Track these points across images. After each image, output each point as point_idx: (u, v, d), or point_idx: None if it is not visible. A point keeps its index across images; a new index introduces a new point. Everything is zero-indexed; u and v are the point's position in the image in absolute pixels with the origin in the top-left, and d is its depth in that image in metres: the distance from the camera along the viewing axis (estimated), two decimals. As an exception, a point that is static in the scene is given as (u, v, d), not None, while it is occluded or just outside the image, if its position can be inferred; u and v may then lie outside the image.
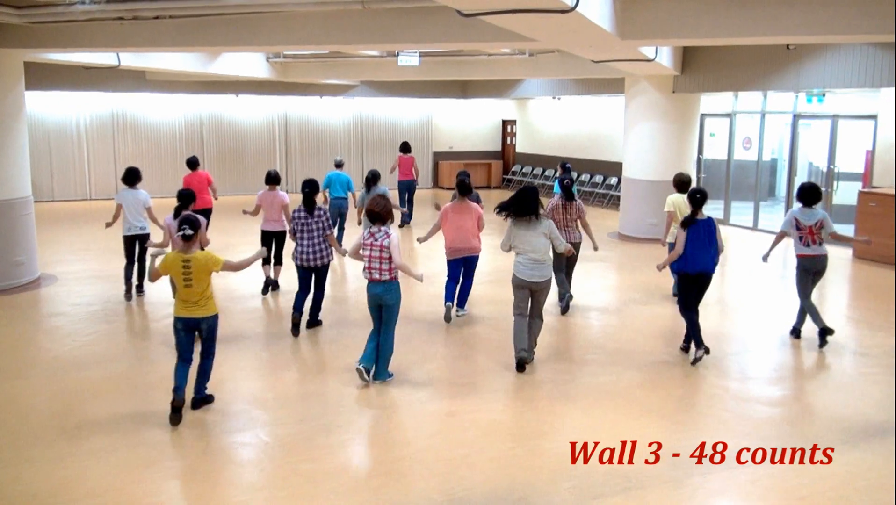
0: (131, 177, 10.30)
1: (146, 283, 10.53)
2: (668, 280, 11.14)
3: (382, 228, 6.90)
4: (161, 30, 10.23)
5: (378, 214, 6.90)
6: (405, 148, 16.97)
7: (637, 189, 15.26)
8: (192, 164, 12.83)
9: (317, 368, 7.70)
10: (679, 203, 9.62)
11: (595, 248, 9.85)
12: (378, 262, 6.84)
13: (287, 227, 9.90)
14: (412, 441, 5.97)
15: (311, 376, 7.41)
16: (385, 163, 23.34)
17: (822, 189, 15.07)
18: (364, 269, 6.95)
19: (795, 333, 8.64)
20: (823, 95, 14.91)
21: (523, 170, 24.18)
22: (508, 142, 25.82)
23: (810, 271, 8.27)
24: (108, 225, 10.40)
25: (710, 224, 7.67)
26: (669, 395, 6.93)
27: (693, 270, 7.62)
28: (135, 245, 10.32)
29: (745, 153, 17.20)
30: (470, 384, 7.16)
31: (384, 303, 6.96)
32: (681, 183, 9.85)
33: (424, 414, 6.51)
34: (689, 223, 7.60)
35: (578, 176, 21.36)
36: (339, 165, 14.16)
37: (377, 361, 7.11)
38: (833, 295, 10.98)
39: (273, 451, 5.77)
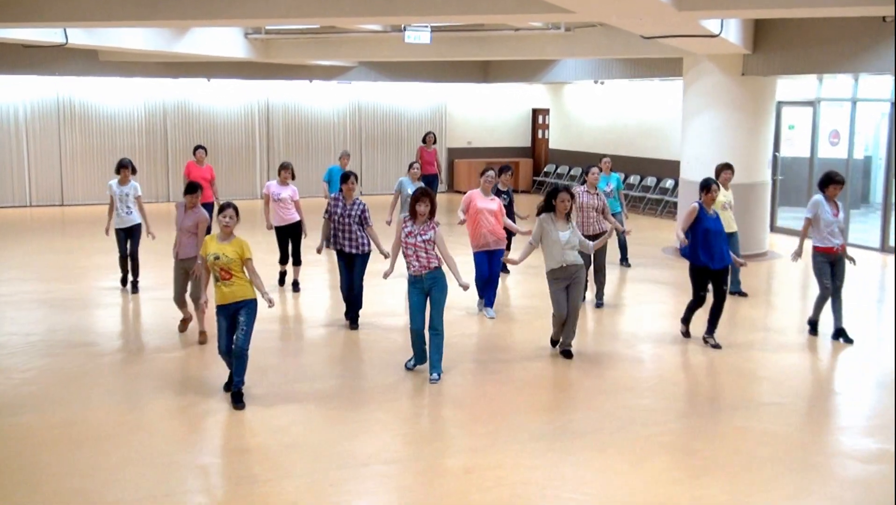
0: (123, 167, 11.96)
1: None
2: (736, 306, 11.11)
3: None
4: (117, 0, 10.33)
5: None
6: (432, 139, 18.77)
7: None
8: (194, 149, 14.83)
9: (307, 413, 7.69)
10: None
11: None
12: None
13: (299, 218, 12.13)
14: None
15: (299, 422, 7.41)
16: (387, 160, 23.58)
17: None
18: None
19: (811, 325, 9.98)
20: (929, 79, 14.85)
21: (558, 170, 24.17)
22: (540, 136, 25.85)
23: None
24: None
25: None
26: (737, 448, 6.88)
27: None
28: (129, 236, 11.85)
29: (831, 150, 17.11)
30: (492, 432, 7.14)
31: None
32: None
33: (436, 471, 6.49)
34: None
35: (627, 177, 21.39)
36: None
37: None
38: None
39: (249, 514, 5.77)
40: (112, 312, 11.30)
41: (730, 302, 9.61)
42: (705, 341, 9.56)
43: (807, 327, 10.02)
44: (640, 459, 6.61)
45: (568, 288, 8.96)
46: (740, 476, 6.33)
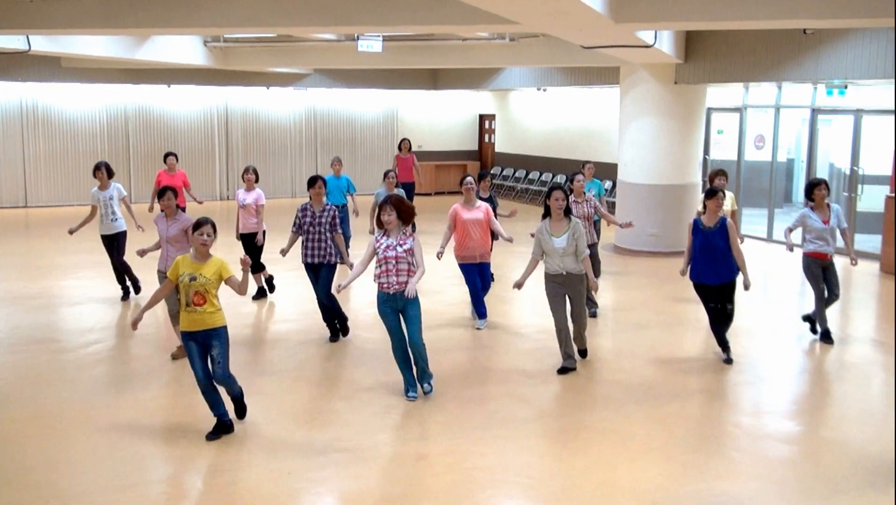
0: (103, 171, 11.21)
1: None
2: (673, 301, 11.24)
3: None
4: (79, 8, 10.15)
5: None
6: (408, 146, 17.67)
7: (635, 194, 15.38)
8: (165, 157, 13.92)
9: (266, 405, 7.62)
10: None
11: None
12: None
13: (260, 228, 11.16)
14: (372, 491, 5.94)
15: (258, 414, 7.33)
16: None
17: (845, 193, 15.31)
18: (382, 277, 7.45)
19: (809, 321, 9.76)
20: (846, 87, 15.17)
21: (504, 172, 24.28)
22: (487, 140, 25.93)
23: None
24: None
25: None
26: (673, 432, 6.96)
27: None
28: (112, 244, 11.18)
29: (757, 153, 17.42)
30: (443, 422, 7.14)
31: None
32: None
33: (390, 458, 6.48)
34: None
35: (567, 180, 21.50)
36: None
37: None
38: (859, 315, 11.12)
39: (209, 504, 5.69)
40: (75, 310, 11.06)
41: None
42: (722, 355, 8.86)
43: (806, 327, 9.83)
44: (582, 445, 6.66)
45: (567, 298, 8.31)
46: (675, 458, 6.40)
